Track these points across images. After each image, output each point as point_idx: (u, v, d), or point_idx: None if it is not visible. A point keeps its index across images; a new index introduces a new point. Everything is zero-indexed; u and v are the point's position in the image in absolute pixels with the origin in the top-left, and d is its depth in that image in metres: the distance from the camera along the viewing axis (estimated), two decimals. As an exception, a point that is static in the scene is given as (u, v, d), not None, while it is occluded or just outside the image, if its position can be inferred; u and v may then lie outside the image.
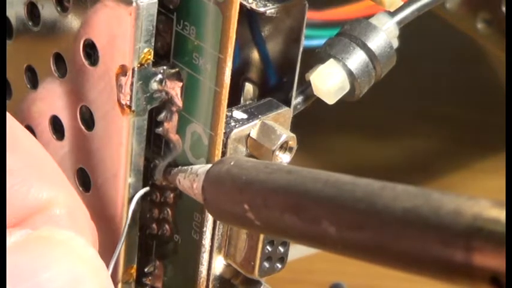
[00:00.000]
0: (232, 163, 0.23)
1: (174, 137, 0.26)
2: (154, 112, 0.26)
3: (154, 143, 0.27)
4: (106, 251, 0.26)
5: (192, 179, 0.25)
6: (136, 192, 0.26)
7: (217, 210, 0.24)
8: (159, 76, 0.25)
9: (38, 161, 0.22)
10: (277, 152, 0.26)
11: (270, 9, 0.25)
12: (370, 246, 0.19)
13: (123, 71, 0.24)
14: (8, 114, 0.22)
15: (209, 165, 0.24)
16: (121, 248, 0.26)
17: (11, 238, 0.20)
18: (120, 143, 0.25)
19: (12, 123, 0.22)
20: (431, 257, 0.18)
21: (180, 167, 0.26)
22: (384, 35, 0.28)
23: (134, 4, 0.23)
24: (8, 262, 0.20)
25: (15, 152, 0.22)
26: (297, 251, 0.37)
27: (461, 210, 0.17)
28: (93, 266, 0.21)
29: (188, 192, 0.25)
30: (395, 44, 0.29)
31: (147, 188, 0.26)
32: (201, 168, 0.25)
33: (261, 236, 0.26)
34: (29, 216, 0.21)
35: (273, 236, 0.25)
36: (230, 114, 0.26)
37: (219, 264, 0.27)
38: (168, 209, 0.27)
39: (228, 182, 0.23)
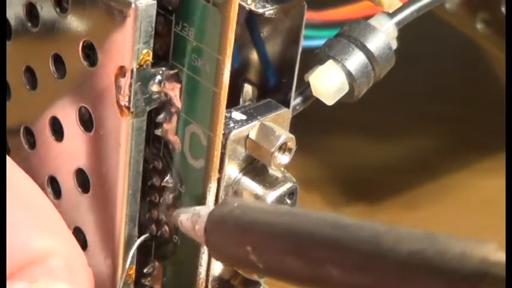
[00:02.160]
0: (235, 204, 0.23)
1: (173, 138, 0.26)
2: (153, 113, 0.26)
3: (153, 145, 0.27)
4: (103, 247, 0.26)
5: (194, 220, 0.24)
6: (134, 192, 0.26)
7: (220, 251, 0.23)
8: (158, 77, 0.25)
9: (38, 209, 0.23)
10: (276, 153, 0.26)
11: (268, 10, 0.25)
12: None
13: (122, 72, 0.24)
14: (9, 159, 0.23)
15: (212, 207, 0.24)
16: (122, 277, 0.26)
17: None
18: (119, 144, 0.25)
19: (13, 170, 0.23)
20: None
21: (181, 208, 0.26)
22: (383, 36, 0.28)
23: (133, 5, 0.23)
24: None
25: (16, 201, 0.22)
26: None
27: (467, 254, 0.17)
28: None
29: (190, 234, 0.25)
30: (395, 45, 0.29)
31: (146, 235, 0.27)
32: (204, 209, 0.24)
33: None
34: (27, 266, 0.22)
35: (276, 279, 0.25)
36: (229, 115, 0.26)
37: (218, 265, 0.27)
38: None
39: (231, 223, 0.22)
